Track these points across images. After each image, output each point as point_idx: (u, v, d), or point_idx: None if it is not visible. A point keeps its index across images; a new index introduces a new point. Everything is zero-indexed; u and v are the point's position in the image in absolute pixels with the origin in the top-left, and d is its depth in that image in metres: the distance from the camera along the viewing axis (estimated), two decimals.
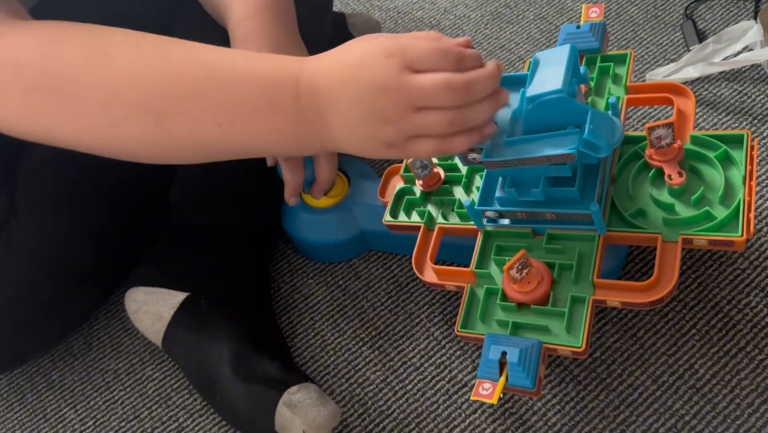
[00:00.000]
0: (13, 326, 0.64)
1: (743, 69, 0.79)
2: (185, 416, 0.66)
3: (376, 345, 0.67)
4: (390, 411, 0.62)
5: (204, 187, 0.69)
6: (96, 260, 0.67)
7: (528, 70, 0.51)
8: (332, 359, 0.67)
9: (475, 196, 0.62)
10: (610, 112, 0.53)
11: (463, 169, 0.64)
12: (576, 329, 0.52)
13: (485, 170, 0.58)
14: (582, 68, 0.51)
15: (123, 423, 0.66)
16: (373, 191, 0.69)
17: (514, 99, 0.51)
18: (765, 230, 0.66)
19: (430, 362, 0.64)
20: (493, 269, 0.57)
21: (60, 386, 0.70)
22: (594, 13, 0.63)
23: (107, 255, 0.69)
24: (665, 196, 0.55)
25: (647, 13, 0.88)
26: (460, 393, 0.62)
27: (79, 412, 0.68)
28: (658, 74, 0.79)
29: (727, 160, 0.55)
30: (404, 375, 0.64)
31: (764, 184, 0.69)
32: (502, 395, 0.53)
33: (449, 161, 0.66)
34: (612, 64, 0.62)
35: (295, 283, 0.73)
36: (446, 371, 0.63)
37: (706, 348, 0.60)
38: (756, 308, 0.61)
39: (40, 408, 0.69)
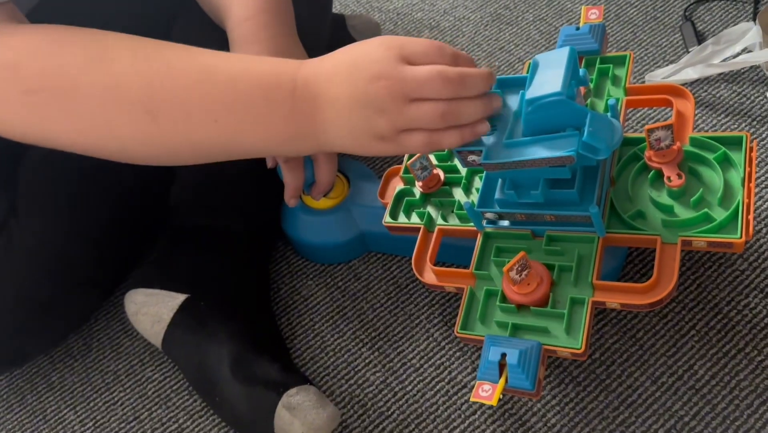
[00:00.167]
0: (13, 326, 0.64)
1: (742, 70, 0.79)
2: (185, 418, 0.66)
3: (376, 346, 0.67)
4: (390, 412, 0.62)
5: (204, 188, 0.69)
6: (96, 260, 0.67)
7: (527, 72, 0.51)
8: (332, 360, 0.67)
9: (475, 197, 0.62)
10: (609, 114, 0.53)
11: (463, 171, 0.64)
12: (575, 331, 0.52)
13: (485, 172, 0.58)
14: (581, 70, 0.51)
15: (123, 424, 0.66)
16: (372, 193, 0.69)
17: (514, 101, 0.51)
18: (764, 231, 0.66)
19: (430, 363, 0.64)
20: (493, 271, 0.57)
21: (60, 387, 0.70)
22: (593, 15, 0.63)
23: (107, 255, 0.69)
24: (664, 198, 0.55)
25: (646, 15, 0.89)
26: (459, 394, 0.62)
27: (78, 413, 0.68)
28: (658, 76, 0.79)
29: (726, 162, 0.55)
30: (404, 376, 0.64)
31: (763, 185, 0.69)
32: (501, 397, 0.53)
33: (449, 163, 0.66)
34: (611, 65, 0.62)
35: (294, 284, 0.73)
36: (446, 372, 0.64)
37: (705, 349, 0.60)
38: (755, 309, 0.61)
39: (39, 409, 0.69)
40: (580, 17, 0.71)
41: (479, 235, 0.59)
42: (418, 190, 0.65)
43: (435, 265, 0.59)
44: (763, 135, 0.73)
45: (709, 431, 0.56)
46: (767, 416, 0.56)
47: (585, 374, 0.61)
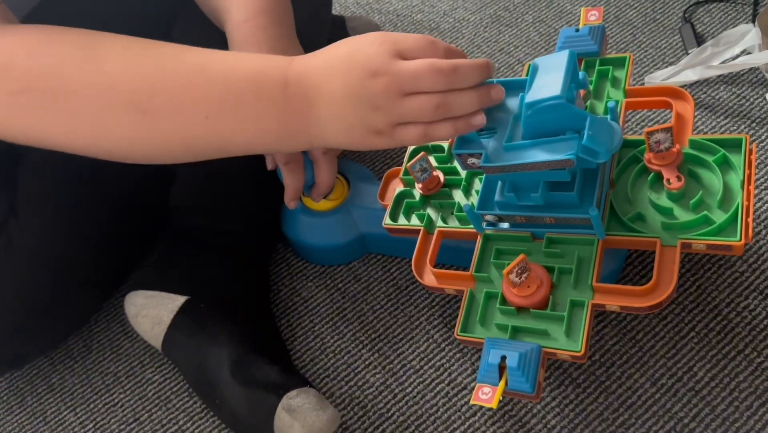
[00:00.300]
0: (13, 326, 0.64)
1: (742, 72, 0.79)
2: (185, 419, 0.66)
3: (376, 348, 0.67)
4: (390, 414, 0.62)
5: (204, 190, 0.69)
6: (96, 260, 0.67)
7: (526, 74, 0.51)
8: (332, 362, 0.67)
9: (475, 199, 0.62)
10: (608, 117, 0.53)
11: (463, 173, 0.64)
12: (575, 333, 0.52)
13: (484, 174, 0.58)
14: (581, 73, 0.51)
15: (123, 426, 0.66)
16: (372, 194, 0.69)
17: (514, 104, 0.51)
18: (763, 233, 0.66)
19: (430, 364, 0.64)
20: (493, 273, 0.57)
21: (60, 388, 0.70)
22: (593, 17, 0.63)
23: (107, 256, 0.69)
24: (664, 201, 0.55)
25: (646, 17, 0.89)
26: (459, 396, 0.62)
27: (78, 415, 0.68)
28: (657, 77, 0.79)
29: (725, 165, 0.55)
30: (404, 378, 0.64)
31: (762, 188, 0.69)
32: (501, 399, 0.53)
33: (449, 165, 0.66)
34: (611, 67, 0.62)
35: (294, 286, 0.73)
36: (446, 373, 0.64)
37: (704, 351, 0.60)
38: (754, 311, 0.61)
39: (39, 411, 0.69)
40: (579, 19, 0.71)
41: (479, 237, 0.59)
42: (417, 192, 0.65)
43: (435, 267, 0.59)
44: (763, 137, 0.73)
45: (708, 432, 0.56)
46: (766, 418, 0.56)
47: (584, 376, 0.61)
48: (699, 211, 0.53)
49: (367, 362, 0.66)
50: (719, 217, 0.52)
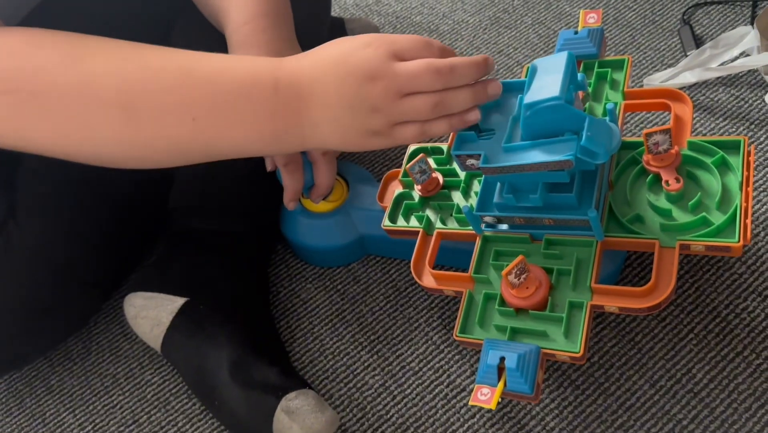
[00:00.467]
0: (12, 327, 0.64)
1: (740, 74, 0.79)
2: (184, 421, 0.66)
3: (375, 350, 0.67)
4: (389, 416, 0.62)
5: (203, 191, 0.69)
6: (95, 261, 0.67)
7: (526, 76, 0.51)
8: (331, 363, 0.67)
9: (474, 201, 0.62)
10: (607, 118, 0.53)
11: (462, 174, 0.64)
12: (574, 335, 0.52)
13: (483, 176, 0.59)
14: (579, 75, 0.51)
15: (122, 428, 0.66)
16: (371, 196, 0.69)
17: (513, 105, 0.52)
18: (762, 235, 0.66)
19: (429, 366, 0.64)
20: (492, 275, 0.57)
21: (59, 390, 0.70)
22: (592, 19, 0.63)
23: (107, 257, 0.69)
24: (663, 202, 0.55)
25: (645, 19, 0.89)
26: (458, 398, 0.62)
27: (78, 416, 0.68)
28: (656, 79, 0.79)
29: (724, 166, 0.55)
30: (403, 380, 0.64)
31: (761, 189, 0.69)
32: (500, 400, 0.53)
33: (448, 166, 0.66)
34: (609, 69, 0.62)
35: (293, 287, 0.73)
36: (445, 375, 0.64)
37: (703, 353, 0.60)
38: (753, 312, 0.61)
39: (39, 413, 0.69)
40: (578, 21, 0.71)
41: (478, 238, 0.59)
42: (417, 193, 0.65)
43: (434, 268, 0.59)
44: (761, 139, 0.73)
45: None
46: (765, 420, 0.56)
47: (584, 378, 0.61)
48: (697, 212, 0.53)
49: (366, 364, 0.66)
50: (718, 218, 0.52)
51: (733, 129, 0.75)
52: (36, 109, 0.46)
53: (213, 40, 0.60)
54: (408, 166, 0.64)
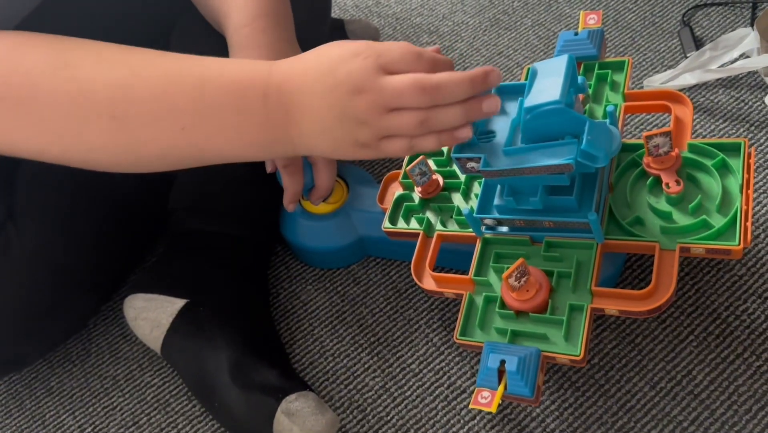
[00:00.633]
0: (12, 329, 0.64)
1: (740, 76, 0.79)
2: (184, 423, 0.66)
3: (375, 351, 0.67)
4: (389, 418, 0.62)
5: (203, 192, 0.69)
6: (95, 263, 0.67)
7: (526, 78, 0.51)
8: (331, 365, 0.67)
9: (474, 203, 0.62)
10: (607, 121, 0.53)
11: (462, 177, 0.64)
12: (574, 337, 0.52)
13: (484, 178, 0.59)
14: (580, 78, 0.52)
15: (122, 429, 0.66)
16: (371, 198, 0.69)
17: (513, 108, 0.52)
18: (762, 237, 0.66)
19: (429, 368, 0.64)
20: (492, 277, 0.57)
21: (59, 392, 0.70)
22: (592, 20, 0.63)
23: (106, 259, 0.69)
24: (663, 205, 0.55)
25: (645, 20, 0.89)
26: (459, 399, 0.62)
27: (77, 418, 0.68)
28: (656, 81, 0.80)
29: (724, 169, 0.55)
30: (403, 381, 0.64)
31: (761, 192, 0.69)
32: (500, 403, 0.53)
33: (448, 168, 0.66)
34: (610, 71, 0.62)
35: (293, 289, 0.73)
36: (445, 377, 0.64)
37: (703, 354, 0.60)
38: (753, 314, 0.62)
39: (38, 414, 0.69)
40: (578, 22, 0.71)
41: (478, 241, 0.59)
42: (417, 195, 0.65)
43: (434, 270, 0.59)
44: (762, 141, 0.73)
45: None
46: (765, 421, 0.56)
47: (584, 380, 0.61)
48: (698, 215, 0.53)
49: (366, 366, 0.66)
50: (718, 221, 0.52)
51: (733, 131, 0.75)
52: (23, 115, 0.46)
53: (213, 40, 0.60)
54: (408, 168, 0.64)
